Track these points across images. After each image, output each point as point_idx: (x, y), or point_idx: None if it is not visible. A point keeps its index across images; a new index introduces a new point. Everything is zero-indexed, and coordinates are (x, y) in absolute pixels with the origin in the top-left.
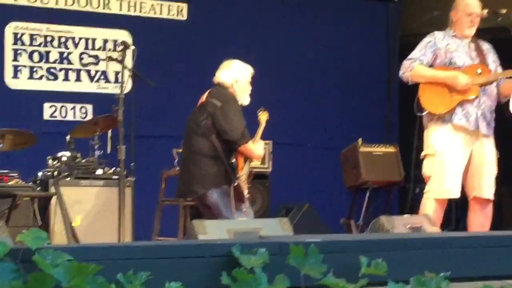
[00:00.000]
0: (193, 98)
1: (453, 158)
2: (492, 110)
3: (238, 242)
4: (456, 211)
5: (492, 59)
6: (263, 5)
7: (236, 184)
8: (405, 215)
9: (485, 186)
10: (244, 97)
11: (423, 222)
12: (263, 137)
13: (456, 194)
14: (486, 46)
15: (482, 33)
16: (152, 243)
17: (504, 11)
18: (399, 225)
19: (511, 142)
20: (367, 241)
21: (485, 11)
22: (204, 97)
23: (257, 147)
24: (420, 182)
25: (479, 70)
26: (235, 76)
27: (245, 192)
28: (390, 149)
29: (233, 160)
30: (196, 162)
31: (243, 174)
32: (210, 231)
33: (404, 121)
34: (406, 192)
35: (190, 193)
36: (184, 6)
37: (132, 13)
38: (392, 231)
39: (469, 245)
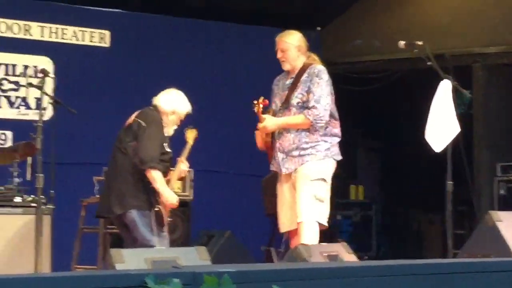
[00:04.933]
0: (114, 126)
1: None
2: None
3: (151, 272)
4: (377, 237)
5: None
6: (185, 32)
7: (157, 209)
8: (323, 243)
9: None
10: (171, 129)
11: (340, 250)
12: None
13: None
14: None
15: (399, 63)
16: (67, 273)
17: (420, 43)
18: (316, 253)
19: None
20: (281, 270)
21: (402, 42)
22: (132, 117)
23: (170, 194)
24: (341, 209)
25: None
26: (175, 107)
27: (166, 217)
28: None
29: None
30: (118, 180)
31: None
32: (128, 260)
33: None
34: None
35: (108, 212)
36: (107, 33)
37: (53, 39)
38: (309, 260)
39: (384, 273)
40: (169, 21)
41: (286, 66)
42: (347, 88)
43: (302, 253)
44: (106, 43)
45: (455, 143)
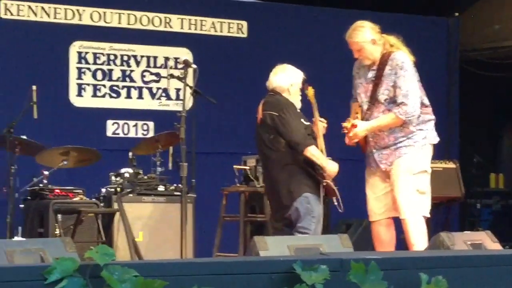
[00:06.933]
0: (252, 115)
1: None
2: None
3: (299, 259)
4: None
5: None
6: (323, 21)
7: (325, 183)
8: (466, 232)
9: None
10: (297, 101)
11: (484, 239)
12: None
13: None
14: None
15: None
16: (216, 259)
17: None
18: (460, 241)
19: None
20: (427, 257)
21: None
22: (260, 111)
23: (332, 165)
24: (481, 197)
25: None
26: (291, 80)
27: (335, 187)
28: (450, 165)
29: None
30: (277, 176)
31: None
32: (272, 247)
33: (464, 137)
34: (467, 208)
35: (282, 209)
36: (244, 24)
37: (193, 31)
38: (453, 248)
39: None
40: (307, 10)
41: (366, 62)
42: (489, 74)
43: (445, 241)
44: (244, 34)
45: None
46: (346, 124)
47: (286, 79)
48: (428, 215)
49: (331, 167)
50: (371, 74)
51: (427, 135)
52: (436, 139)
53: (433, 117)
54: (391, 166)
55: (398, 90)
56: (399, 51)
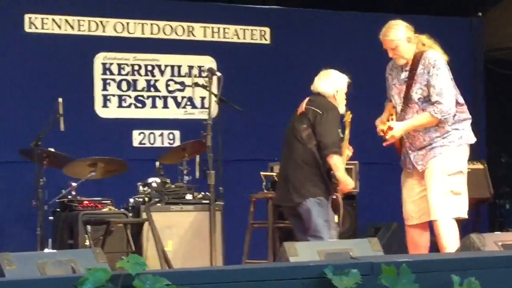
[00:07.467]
0: (277, 122)
1: None
2: None
3: (330, 263)
4: None
5: None
6: (347, 25)
7: (334, 197)
8: (496, 232)
9: None
10: (342, 106)
11: None
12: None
13: None
14: None
15: None
16: (246, 266)
17: None
18: (490, 242)
19: None
20: (459, 259)
21: None
22: (304, 105)
23: (349, 180)
24: (510, 198)
25: None
26: (336, 86)
27: (342, 206)
28: (478, 166)
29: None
30: (295, 169)
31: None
32: (301, 253)
33: (491, 137)
34: (496, 208)
35: (288, 201)
36: (267, 30)
37: (216, 39)
38: (483, 249)
39: None
40: (330, 15)
41: (401, 61)
42: None
43: (476, 242)
44: (267, 40)
45: None
46: (382, 127)
47: (331, 86)
48: (465, 216)
49: (347, 182)
50: (404, 75)
51: (463, 135)
52: (472, 139)
53: (469, 116)
54: (426, 166)
55: (431, 89)
56: (431, 50)
